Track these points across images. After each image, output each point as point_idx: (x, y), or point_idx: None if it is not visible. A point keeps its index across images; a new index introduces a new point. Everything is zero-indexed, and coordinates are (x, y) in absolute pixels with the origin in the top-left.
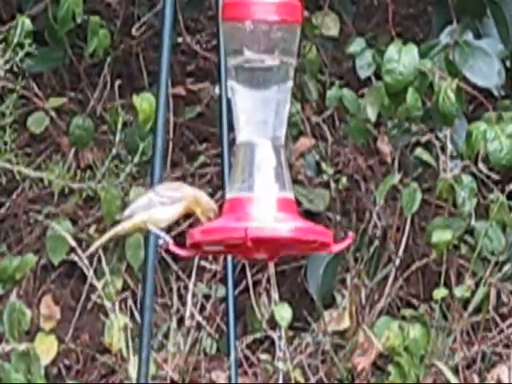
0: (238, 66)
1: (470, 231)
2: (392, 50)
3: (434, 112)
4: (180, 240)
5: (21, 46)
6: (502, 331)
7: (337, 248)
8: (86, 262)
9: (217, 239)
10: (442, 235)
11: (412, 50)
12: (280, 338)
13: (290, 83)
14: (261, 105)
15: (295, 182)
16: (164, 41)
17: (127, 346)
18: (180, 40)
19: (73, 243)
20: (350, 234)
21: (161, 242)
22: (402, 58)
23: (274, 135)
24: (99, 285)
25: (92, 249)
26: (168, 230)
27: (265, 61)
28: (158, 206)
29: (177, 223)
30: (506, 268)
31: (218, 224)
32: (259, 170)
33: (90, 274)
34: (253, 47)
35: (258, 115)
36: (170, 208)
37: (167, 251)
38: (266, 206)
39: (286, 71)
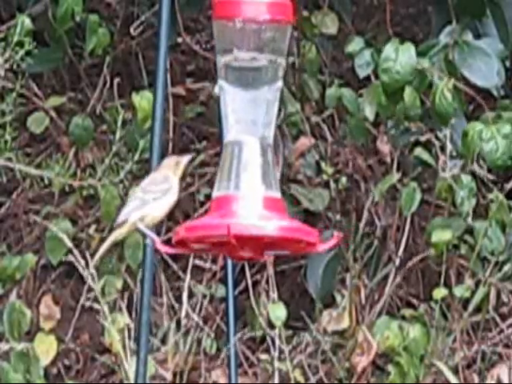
0: (228, 65)
1: (470, 231)
2: (389, 49)
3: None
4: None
5: (21, 44)
6: (501, 331)
7: (323, 248)
8: (82, 262)
9: (201, 236)
10: (441, 235)
11: (409, 49)
12: (276, 337)
13: (280, 83)
14: (250, 104)
15: (295, 181)
16: (161, 40)
17: (124, 346)
18: (180, 40)
19: (70, 244)
20: (336, 233)
21: (148, 240)
22: (399, 57)
23: (263, 135)
24: (98, 286)
25: (95, 259)
26: (167, 229)
27: (254, 60)
28: (152, 202)
29: (176, 223)
30: (505, 268)
31: (202, 221)
32: (246, 169)
33: (87, 275)
34: (242, 46)
35: (246, 115)
36: (162, 200)
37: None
38: (251, 205)
39: (275, 71)
